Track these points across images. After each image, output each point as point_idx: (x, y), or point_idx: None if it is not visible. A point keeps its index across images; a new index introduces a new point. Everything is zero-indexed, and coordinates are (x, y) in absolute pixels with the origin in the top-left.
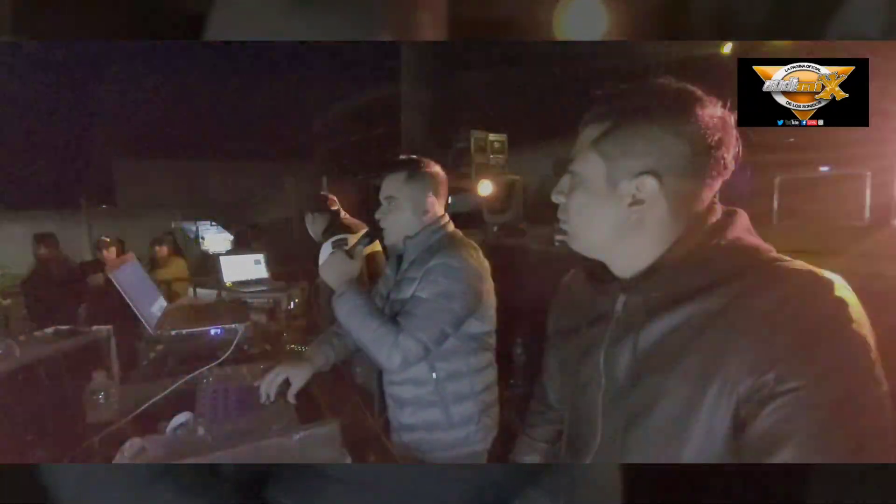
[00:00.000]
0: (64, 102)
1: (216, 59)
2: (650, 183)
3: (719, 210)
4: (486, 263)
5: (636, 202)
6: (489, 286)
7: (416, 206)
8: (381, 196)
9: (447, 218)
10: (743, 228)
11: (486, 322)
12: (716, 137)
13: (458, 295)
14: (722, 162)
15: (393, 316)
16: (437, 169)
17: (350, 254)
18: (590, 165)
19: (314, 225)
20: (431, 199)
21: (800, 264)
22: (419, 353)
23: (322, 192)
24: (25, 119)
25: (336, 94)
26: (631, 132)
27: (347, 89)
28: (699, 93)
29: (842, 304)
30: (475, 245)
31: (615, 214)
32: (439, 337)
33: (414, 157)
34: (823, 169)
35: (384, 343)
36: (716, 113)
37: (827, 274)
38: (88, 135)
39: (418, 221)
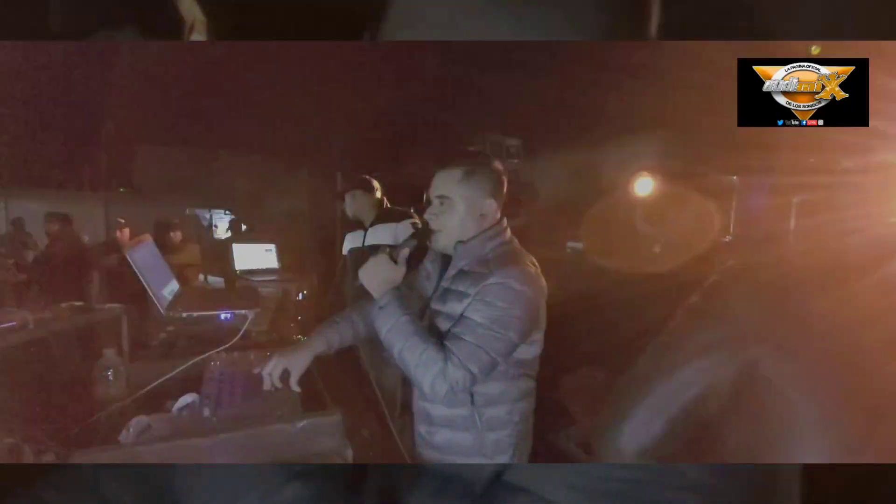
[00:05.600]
0: (81, 93)
1: (235, 55)
2: None
3: None
4: (544, 282)
5: None
6: (544, 309)
7: (471, 207)
8: (433, 194)
9: (505, 224)
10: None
11: (534, 347)
12: None
13: (515, 322)
14: None
15: (431, 328)
16: (497, 167)
17: (394, 258)
18: None
19: (355, 202)
20: (490, 201)
21: None
22: (467, 384)
23: (365, 176)
24: (45, 102)
25: (352, 92)
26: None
27: (363, 87)
28: None
29: None
30: (534, 260)
31: None
32: (490, 367)
33: (473, 150)
34: None
35: (429, 370)
36: None
37: None
38: (108, 120)
39: (473, 225)
